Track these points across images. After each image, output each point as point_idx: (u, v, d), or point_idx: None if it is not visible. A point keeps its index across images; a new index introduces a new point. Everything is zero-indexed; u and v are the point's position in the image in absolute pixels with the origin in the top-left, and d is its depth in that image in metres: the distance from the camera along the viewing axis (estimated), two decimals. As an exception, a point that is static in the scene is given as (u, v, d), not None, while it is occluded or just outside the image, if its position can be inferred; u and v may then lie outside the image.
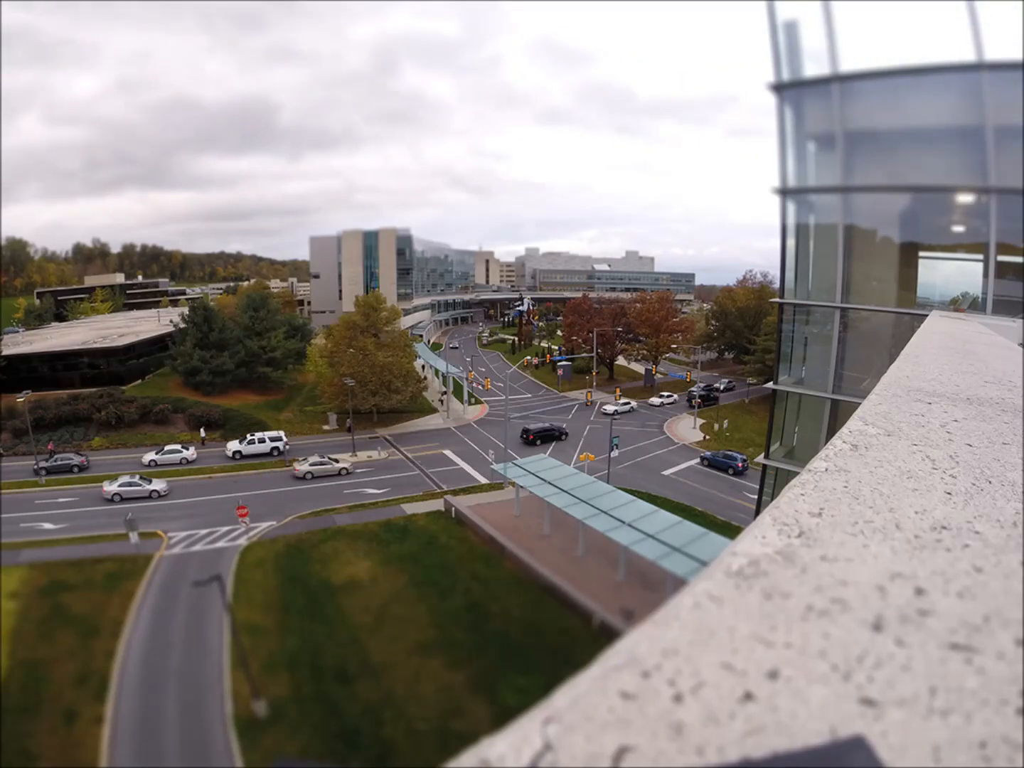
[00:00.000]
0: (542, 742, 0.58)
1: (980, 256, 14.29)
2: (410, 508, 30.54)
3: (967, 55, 13.06)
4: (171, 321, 54.50)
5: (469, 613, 21.55)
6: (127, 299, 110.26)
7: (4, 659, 18.34)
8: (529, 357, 70.78)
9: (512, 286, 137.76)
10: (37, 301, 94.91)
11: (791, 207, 17.22)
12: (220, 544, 26.61)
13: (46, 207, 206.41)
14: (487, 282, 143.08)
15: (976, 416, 2.10)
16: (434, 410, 49.86)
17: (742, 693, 0.65)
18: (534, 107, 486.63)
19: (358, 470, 36.40)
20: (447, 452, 40.22)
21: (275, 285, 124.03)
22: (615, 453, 38.09)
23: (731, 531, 25.24)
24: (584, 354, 61.09)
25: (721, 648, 0.73)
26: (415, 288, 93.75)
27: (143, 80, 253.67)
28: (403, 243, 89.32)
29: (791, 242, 17.46)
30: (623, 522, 22.31)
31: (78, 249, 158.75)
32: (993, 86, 12.98)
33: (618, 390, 56.19)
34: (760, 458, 20.10)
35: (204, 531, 27.77)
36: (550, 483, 26.12)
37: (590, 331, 60.93)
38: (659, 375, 63.13)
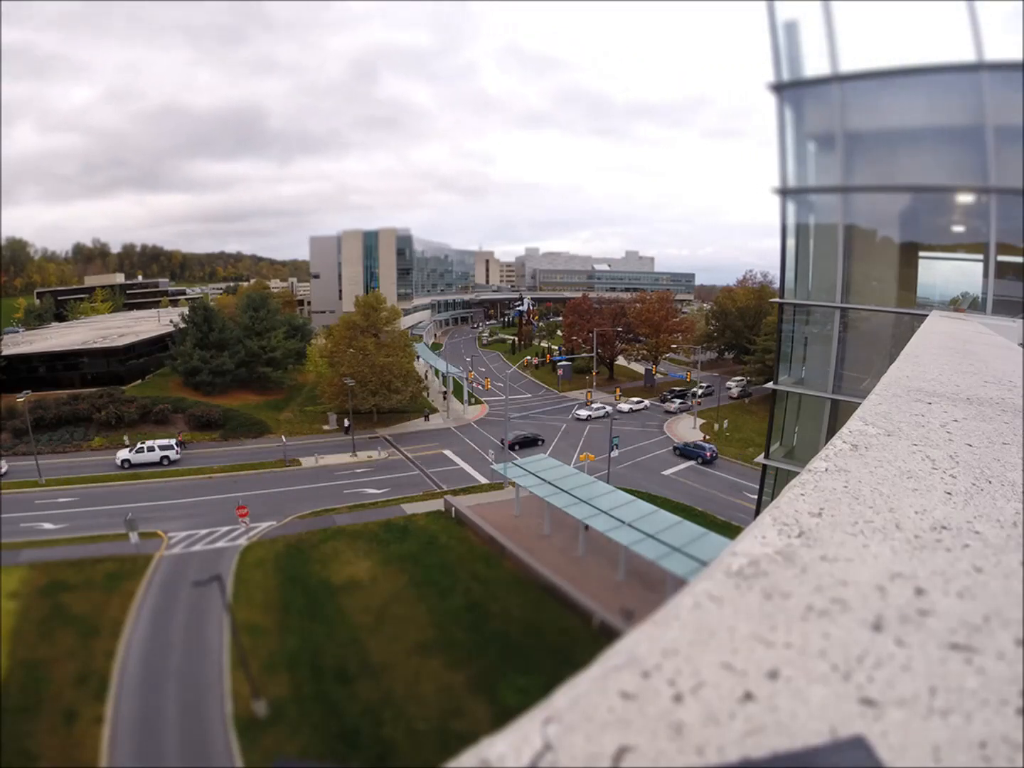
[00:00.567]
0: (542, 742, 0.58)
1: (980, 256, 14.29)
2: (410, 508, 30.55)
3: (967, 55, 13.06)
4: (171, 321, 54.54)
5: (469, 613, 21.55)
6: (127, 299, 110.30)
7: (4, 659, 18.34)
8: (529, 357, 70.78)
9: (512, 286, 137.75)
10: (37, 301, 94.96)
11: (791, 207, 17.21)
12: (220, 544, 26.61)
13: (45, 209, 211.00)
14: (487, 282, 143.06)
15: (976, 416, 2.10)
16: (435, 410, 49.88)
17: (742, 693, 0.65)
18: (513, 111, 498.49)
19: (358, 470, 36.44)
20: (447, 452, 40.22)
21: (275, 285, 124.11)
22: (615, 453, 38.11)
23: (731, 531, 25.23)
24: (584, 354, 61.10)
25: (721, 648, 0.73)
26: (415, 288, 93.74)
27: (133, 90, 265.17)
28: (403, 243, 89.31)
29: (791, 242, 17.45)
30: (623, 522, 22.32)
31: (78, 249, 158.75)
32: (993, 86, 12.98)
33: (618, 390, 56.25)
34: (760, 458, 20.10)
35: (204, 531, 27.77)
36: (550, 483, 26.13)
37: (590, 331, 60.92)
38: (659, 375, 63.13)
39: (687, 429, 47.47)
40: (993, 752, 0.57)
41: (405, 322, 64.39)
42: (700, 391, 56.25)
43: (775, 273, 47.59)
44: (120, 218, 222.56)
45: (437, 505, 30.72)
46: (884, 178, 15.56)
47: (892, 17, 14.02)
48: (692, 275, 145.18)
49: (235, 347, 49.14)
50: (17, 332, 67.02)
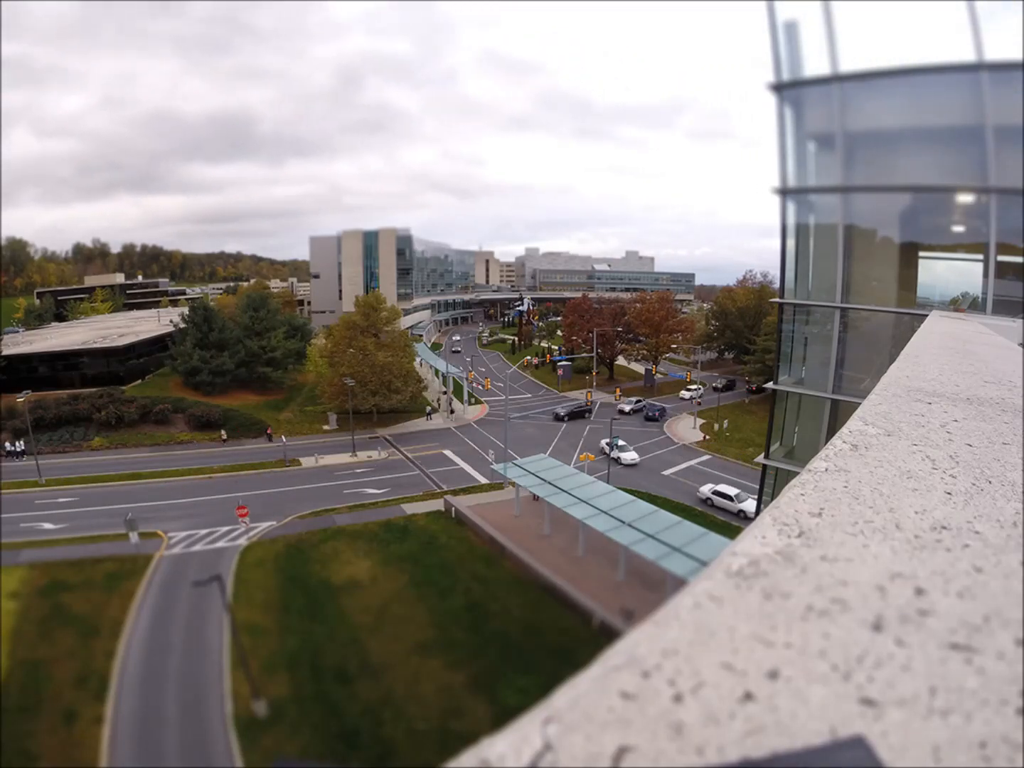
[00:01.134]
0: (542, 742, 0.58)
1: (980, 256, 14.29)
2: (410, 508, 30.54)
3: (967, 55, 13.06)
4: (171, 321, 54.53)
5: (469, 613, 21.55)
6: (127, 299, 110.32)
7: (4, 659, 18.34)
8: (529, 357, 70.80)
9: (512, 286, 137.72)
10: (37, 301, 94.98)
11: (791, 207, 17.21)
12: (220, 544, 26.61)
13: (44, 211, 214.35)
14: (487, 282, 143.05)
15: (976, 416, 2.10)
16: (435, 410, 49.89)
17: (742, 693, 0.65)
18: (498, 115, 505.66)
19: (358, 469, 36.46)
20: (447, 452, 40.22)
21: (275, 285, 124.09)
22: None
23: (731, 531, 25.24)
24: (584, 354, 61.10)
25: (721, 648, 0.73)
26: (415, 288, 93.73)
27: (126, 98, 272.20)
28: (403, 243, 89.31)
29: (791, 242, 17.45)
30: (623, 522, 22.32)
31: (78, 249, 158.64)
32: (993, 86, 12.98)
33: (618, 390, 56.25)
34: (760, 458, 20.10)
35: (204, 531, 27.77)
36: (550, 483, 26.13)
37: (590, 331, 60.92)
38: (659, 375, 63.15)
39: (687, 429, 47.47)
40: (993, 752, 0.57)
41: (405, 322, 64.38)
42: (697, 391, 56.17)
43: (775, 273, 47.72)
44: (117, 219, 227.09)
45: (437, 505, 30.72)
46: (884, 178, 15.56)
47: (892, 17, 14.02)
48: (692, 275, 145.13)
49: (235, 347, 49.14)
50: (17, 332, 67.01)
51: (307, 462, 37.79)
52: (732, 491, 32.22)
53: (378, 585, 23.44)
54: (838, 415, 16.49)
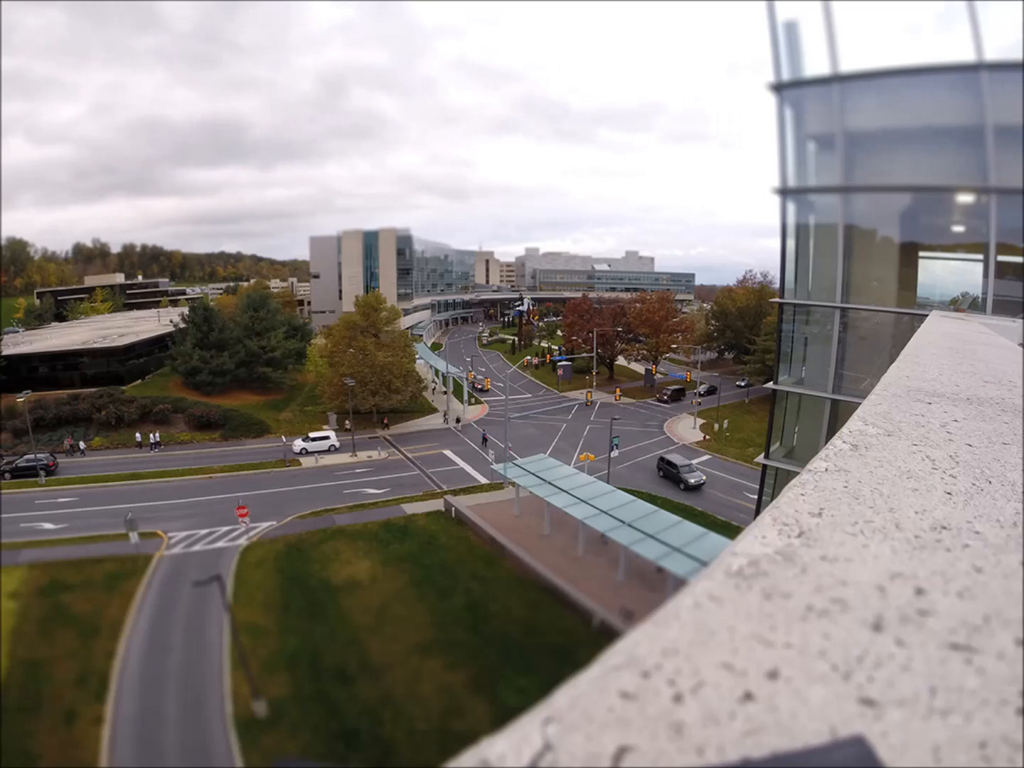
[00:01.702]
0: (542, 742, 0.58)
1: (980, 256, 14.29)
2: (410, 508, 30.54)
3: (967, 55, 13.06)
4: (171, 321, 54.55)
5: (469, 613, 21.55)
6: (127, 299, 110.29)
7: (4, 659, 18.34)
8: (529, 357, 70.77)
9: (512, 286, 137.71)
10: (37, 301, 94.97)
11: (791, 207, 17.22)
12: (220, 544, 26.61)
13: (42, 214, 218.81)
14: (487, 282, 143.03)
15: (976, 416, 2.10)
16: (434, 410, 49.87)
17: (742, 693, 0.65)
18: (480, 119, 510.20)
19: (358, 469, 36.46)
20: (447, 452, 40.23)
21: (275, 285, 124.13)
22: (615, 453, 38.12)
23: (731, 531, 25.23)
24: (584, 354, 61.09)
25: (721, 648, 0.73)
26: (415, 288, 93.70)
27: (117, 106, 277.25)
28: (403, 243, 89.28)
29: (791, 242, 17.45)
30: (623, 522, 22.32)
31: (78, 249, 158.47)
32: (993, 86, 12.98)
33: (618, 390, 56.23)
34: (760, 458, 20.10)
35: (204, 531, 27.77)
36: (550, 483, 26.13)
37: (590, 331, 60.90)
38: (659, 375, 63.14)
39: (687, 429, 47.47)
40: (993, 752, 0.57)
41: (405, 322, 64.37)
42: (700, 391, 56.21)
43: (775, 273, 47.75)
44: (114, 220, 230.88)
45: (437, 505, 30.71)
46: (884, 178, 15.56)
47: (892, 17, 14.03)
48: (692, 275, 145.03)
49: (235, 347, 49.13)
50: (17, 332, 66.99)
51: (307, 462, 37.81)
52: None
53: (378, 585, 23.44)
54: (838, 415, 16.49)
